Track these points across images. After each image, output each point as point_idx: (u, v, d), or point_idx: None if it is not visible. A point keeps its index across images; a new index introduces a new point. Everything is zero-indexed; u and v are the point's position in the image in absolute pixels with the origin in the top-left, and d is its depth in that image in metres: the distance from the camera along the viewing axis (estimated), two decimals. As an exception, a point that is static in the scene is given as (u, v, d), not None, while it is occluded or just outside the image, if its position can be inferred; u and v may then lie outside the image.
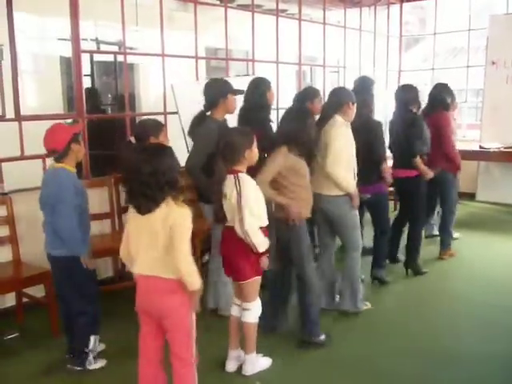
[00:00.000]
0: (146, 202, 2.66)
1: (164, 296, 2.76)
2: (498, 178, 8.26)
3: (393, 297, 4.90)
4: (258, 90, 4.68)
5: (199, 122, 4.25)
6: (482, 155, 7.92)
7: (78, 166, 3.62)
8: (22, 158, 4.41)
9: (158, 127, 3.88)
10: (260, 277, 3.46)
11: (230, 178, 3.31)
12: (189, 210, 2.71)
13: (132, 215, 2.77)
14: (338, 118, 4.19)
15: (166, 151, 2.76)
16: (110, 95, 8.17)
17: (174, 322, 2.80)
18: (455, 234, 6.24)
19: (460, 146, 6.21)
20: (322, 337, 3.93)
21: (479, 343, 3.96)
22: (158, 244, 2.70)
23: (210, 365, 3.52)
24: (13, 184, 4.35)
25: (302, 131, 3.72)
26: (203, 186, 4.01)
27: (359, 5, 8.43)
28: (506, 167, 8.09)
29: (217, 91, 4.24)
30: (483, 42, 8.48)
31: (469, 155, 7.27)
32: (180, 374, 2.87)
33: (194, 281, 2.71)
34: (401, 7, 9.24)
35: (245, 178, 3.29)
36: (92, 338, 3.56)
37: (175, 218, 2.67)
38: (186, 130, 4.58)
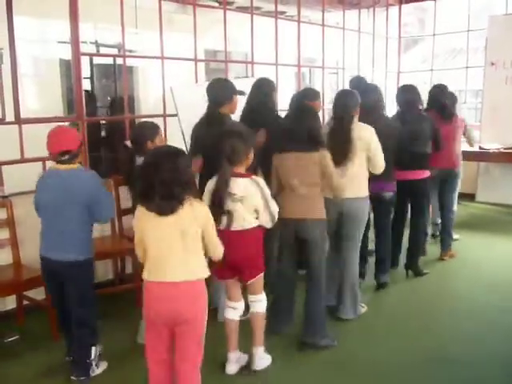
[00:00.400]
0: (169, 202, 2.64)
1: (191, 301, 2.77)
2: (498, 179, 8.26)
3: (393, 298, 4.90)
4: (262, 91, 4.68)
5: (213, 123, 4.15)
6: (481, 156, 7.91)
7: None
8: (22, 160, 4.42)
9: (154, 131, 3.82)
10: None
11: (241, 181, 3.34)
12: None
13: (146, 218, 2.72)
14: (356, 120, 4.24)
15: (181, 151, 2.80)
16: (109, 98, 8.18)
17: (195, 326, 2.80)
18: (455, 236, 6.24)
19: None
20: (335, 342, 3.95)
21: (480, 344, 3.96)
22: (187, 244, 2.71)
23: (210, 367, 3.50)
24: (13, 187, 4.35)
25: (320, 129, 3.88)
26: None
27: (358, 6, 8.43)
28: (506, 168, 8.09)
29: (221, 93, 4.24)
30: (482, 42, 8.49)
31: (468, 156, 7.27)
32: (187, 376, 2.86)
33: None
34: (400, 8, 9.24)
35: (260, 179, 3.43)
36: (93, 349, 3.53)
37: (203, 216, 2.77)
38: (186, 132, 4.57)
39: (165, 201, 2.64)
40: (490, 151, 7.76)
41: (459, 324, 4.32)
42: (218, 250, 2.94)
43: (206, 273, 2.82)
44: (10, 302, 4.38)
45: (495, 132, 7.98)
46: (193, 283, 2.74)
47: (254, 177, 3.41)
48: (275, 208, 3.44)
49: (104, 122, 7.54)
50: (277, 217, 3.46)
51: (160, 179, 2.62)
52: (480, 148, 7.86)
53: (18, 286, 4.09)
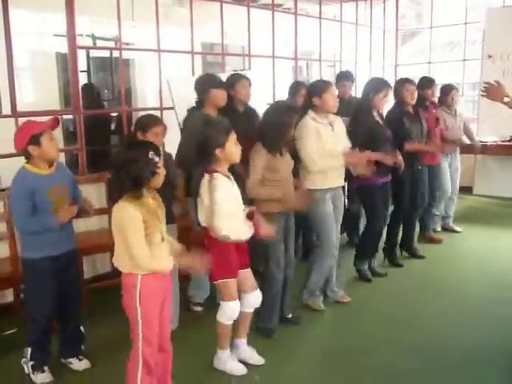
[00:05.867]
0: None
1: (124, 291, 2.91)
2: (495, 172, 8.28)
3: (390, 288, 4.91)
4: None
5: (188, 116, 4.25)
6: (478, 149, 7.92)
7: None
8: (19, 154, 4.40)
9: (148, 124, 3.75)
10: (229, 280, 3.39)
11: (205, 178, 3.27)
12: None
13: None
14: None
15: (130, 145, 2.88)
16: (106, 91, 8.17)
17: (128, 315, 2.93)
18: (457, 228, 6.52)
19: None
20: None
21: (479, 335, 3.97)
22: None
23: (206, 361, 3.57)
24: (10, 181, 4.33)
25: (272, 126, 3.72)
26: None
27: (355, -1, 8.43)
28: (503, 160, 8.11)
29: (199, 88, 4.21)
30: (480, 35, 8.49)
31: (466, 149, 7.27)
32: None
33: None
34: (397, 1, 9.21)
35: (216, 179, 3.24)
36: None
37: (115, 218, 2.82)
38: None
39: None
40: (488, 144, 7.76)
41: (454, 316, 4.32)
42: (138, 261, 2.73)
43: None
44: (8, 296, 4.38)
45: (492, 125, 7.97)
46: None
47: (214, 174, 3.24)
48: (218, 223, 3.24)
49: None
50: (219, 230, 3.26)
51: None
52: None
53: (14, 279, 4.09)
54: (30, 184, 3.23)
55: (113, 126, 7.41)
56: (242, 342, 3.61)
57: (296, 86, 5.23)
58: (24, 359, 3.43)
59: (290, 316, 4.17)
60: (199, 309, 4.41)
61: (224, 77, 4.61)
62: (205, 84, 4.20)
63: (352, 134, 4.47)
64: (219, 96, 4.19)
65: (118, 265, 2.83)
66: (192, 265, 2.97)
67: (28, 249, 3.35)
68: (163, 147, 4.02)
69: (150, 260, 2.72)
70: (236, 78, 4.62)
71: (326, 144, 4.11)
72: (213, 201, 3.20)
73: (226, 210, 3.20)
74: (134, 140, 3.64)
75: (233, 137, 3.27)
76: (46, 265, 3.33)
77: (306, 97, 4.33)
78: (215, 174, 3.24)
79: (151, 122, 3.79)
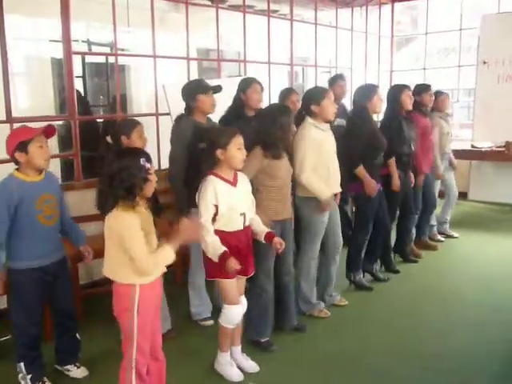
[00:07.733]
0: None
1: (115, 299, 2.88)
2: (490, 177, 8.31)
3: (386, 294, 4.91)
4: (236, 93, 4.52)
5: (176, 123, 4.15)
6: (474, 154, 7.97)
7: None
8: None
9: (129, 126, 3.70)
10: (224, 280, 3.33)
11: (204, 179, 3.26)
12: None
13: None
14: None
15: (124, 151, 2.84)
16: (101, 96, 8.16)
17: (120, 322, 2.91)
18: (454, 233, 6.57)
19: (452, 145, 6.33)
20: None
21: (472, 342, 3.96)
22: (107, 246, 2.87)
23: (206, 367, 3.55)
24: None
25: (269, 129, 3.65)
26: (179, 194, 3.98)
27: (351, 5, 8.44)
28: (498, 166, 8.14)
29: (186, 95, 4.11)
30: (475, 41, 8.51)
31: (461, 154, 7.29)
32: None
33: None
34: (392, 7, 9.26)
35: (208, 180, 3.21)
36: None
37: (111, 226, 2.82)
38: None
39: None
40: (483, 150, 7.79)
41: (454, 321, 4.32)
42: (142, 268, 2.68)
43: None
44: (2, 302, 4.35)
45: (487, 130, 7.99)
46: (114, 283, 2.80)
47: (209, 176, 3.24)
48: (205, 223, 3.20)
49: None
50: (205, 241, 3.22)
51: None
52: (472, 146, 7.90)
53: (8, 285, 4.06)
54: (14, 192, 3.14)
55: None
56: (236, 349, 3.59)
57: (286, 92, 5.19)
58: (21, 375, 3.36)
59: (296, 323, 4.15)
60: (210, 322, 4.24)
61: (219, 82, 4.58)
62: (191, 91, 4.08)
63: (349, 143, 4.48)
64: (207, 102, 4.05)
65: (112, 275, 2.79)
66: (185, 237, 2.78)
67: (14, 258, 3.27)
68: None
69: (154, 265, 2.68)
70: (248, 82, 4.44)
71: (327, 152, 4.09)
72: (199, 202, 3.21)
73: (209, 213, 3.18)
74: (122, 148, 3.55)
75: (237, 140, 3.19)
76: (33, 275, 3.27)
77: (303, 103, 4.22)
78: (209, 177, 3.22)
79: (132, 123, 3.77)
